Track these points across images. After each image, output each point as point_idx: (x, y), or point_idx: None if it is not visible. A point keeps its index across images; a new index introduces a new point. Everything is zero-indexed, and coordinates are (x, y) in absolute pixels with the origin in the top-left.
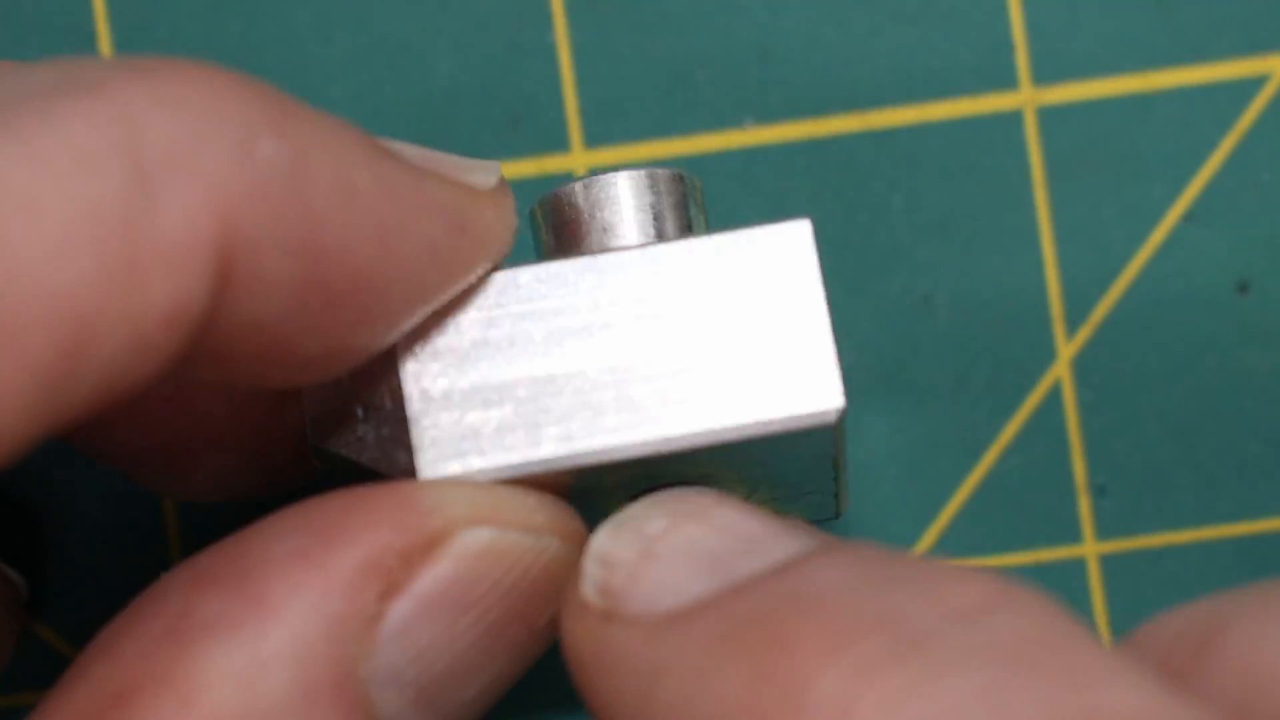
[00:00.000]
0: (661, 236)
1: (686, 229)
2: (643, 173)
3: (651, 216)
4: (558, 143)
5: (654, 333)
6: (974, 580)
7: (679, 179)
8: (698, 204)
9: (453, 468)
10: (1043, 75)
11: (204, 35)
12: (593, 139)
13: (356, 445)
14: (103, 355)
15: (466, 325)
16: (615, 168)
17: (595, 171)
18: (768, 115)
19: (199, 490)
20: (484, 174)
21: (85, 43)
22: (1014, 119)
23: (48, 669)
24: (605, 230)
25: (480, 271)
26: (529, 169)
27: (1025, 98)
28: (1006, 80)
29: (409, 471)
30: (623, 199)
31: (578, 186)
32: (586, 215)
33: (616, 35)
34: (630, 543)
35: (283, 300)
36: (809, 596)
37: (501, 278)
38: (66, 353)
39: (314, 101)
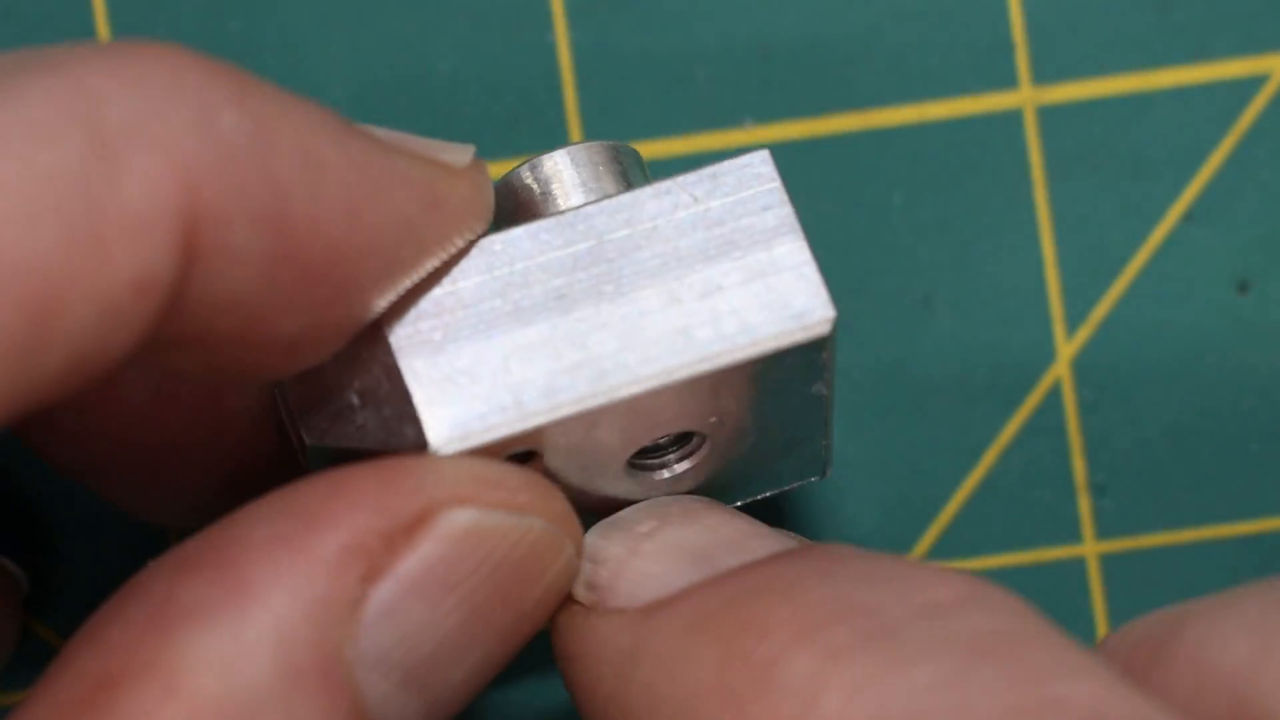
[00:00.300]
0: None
1: None
2: (582, 146)
3: (602, 187)
4: (558, 143)
5: (636, 275)
6: (948, 578)
7: (617, 149)
8: (643, 172)
9: (464, 430)
10: (1043, 75)
11: (204, 35)
12: (593, 139)
13: (358, 433)
14: (72, 325)
15: (450, 294)
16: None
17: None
18: (768, 115)
19: (176, 514)
20: (457, 153)
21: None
22: (1014, 119)
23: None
24: (553, 201)
25: (456, 246)
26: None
27: (1025, 97)
28: (1006, 80)
29: (419, 445)
30: (567, 175)
31: (524, 169)
32: (539, 194)
33: (616, 35)
34: (619, 541)
35: (253, 274)
36: (783, 584)
37: (477, 245)
38: (34, 322)
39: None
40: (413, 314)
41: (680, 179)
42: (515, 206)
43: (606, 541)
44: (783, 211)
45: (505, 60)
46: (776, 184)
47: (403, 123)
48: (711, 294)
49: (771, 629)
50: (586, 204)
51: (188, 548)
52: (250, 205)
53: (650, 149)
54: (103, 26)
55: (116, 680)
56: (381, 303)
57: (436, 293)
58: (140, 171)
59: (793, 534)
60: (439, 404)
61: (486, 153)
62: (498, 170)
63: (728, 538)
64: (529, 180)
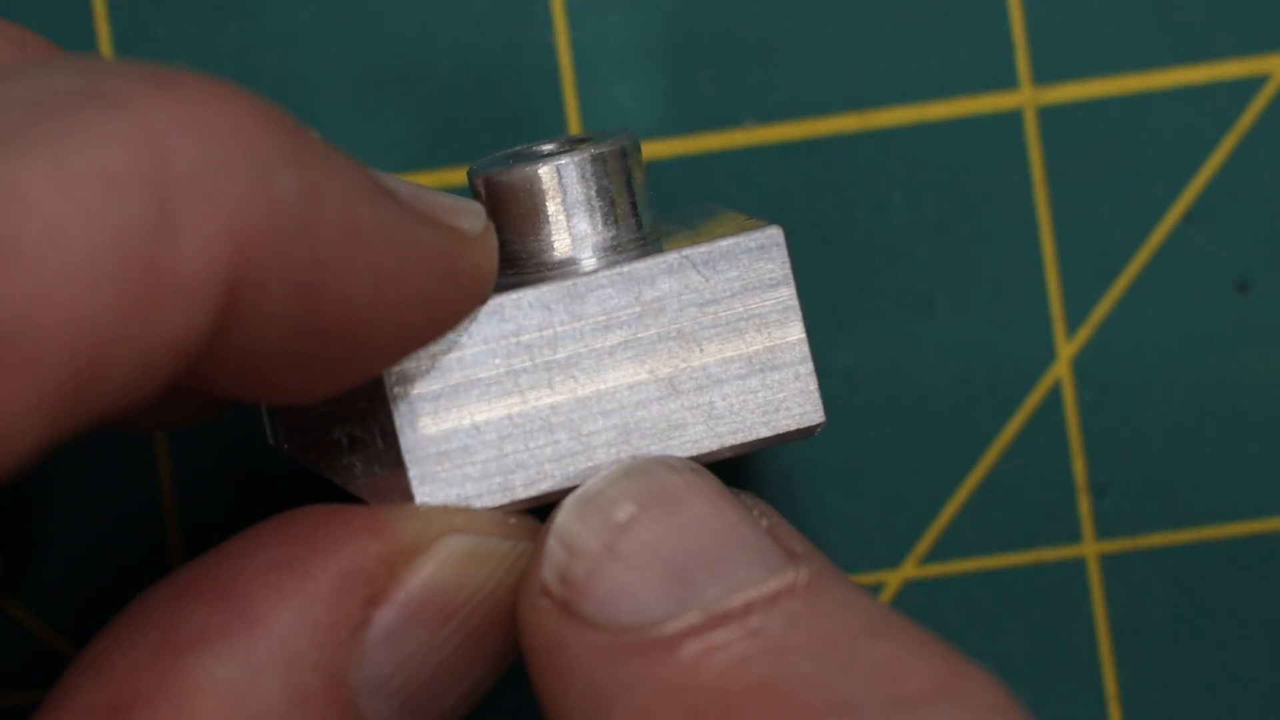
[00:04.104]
0: (612, 217)
1: (633, 206)
2: (587, 159)
3: (601, 199)
4: None
5: (640, 359)
6: (927, 664)
7: (614, 157)
8: (638, 163)
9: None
10: (1043, 75)
11: (203, 35)
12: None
13: (343, 473)
14: (111, 380)
15: (454, 360)
16: (558, 151)
17: (540, 156)
18: (768, 115)
19: (149, 427)
20: (471, 218)
21: (85, 43)
22: (1014, 119)
23: (50, 669)
24: (554, 218)
25: (465, 316)
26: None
27: (1025, 98)
28: (1006, 80)
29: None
30: (569, 188)
31: (519, 176)
32: (531, 206)
33: (616, 35)
34: (595, 529)
35: (276, 336)
36: (766, 666)
37: (486, 308)
38: (80, 377)
39: (313, 102)
40: (415, 377)
41: (692, 254)
42: (506, 208)
43: (582, 526)
44: (788, 303)
45: (505, 60)
46: (786, 271)
47: (402, 124)
48: (709, 387)
49: None
50: (596, 270)
51: (184, 575)
52: (289, 273)
53: (650, 149)
54: (102, 26)
55: (127, 707)
56: (386, 368)
57: (440, 358)
58: (199, 232)
59: (777, 528)
60: (431, 481)
61: (486, 153)
62: None
63: (709, 546)
64: (524, 186)
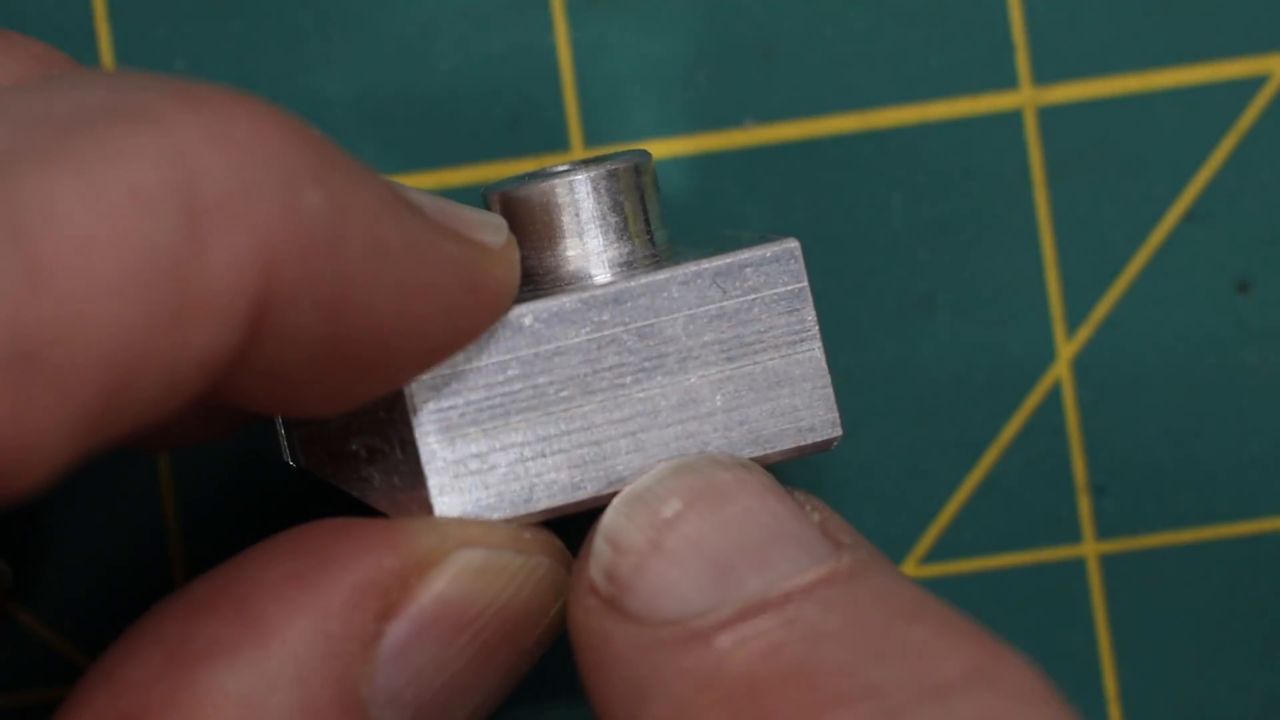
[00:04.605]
0: (626, 232)
1: (646, 223)
2: (601, 175)
3: (615, 214)
4: (558, 143)
5: (657, 371)
6: (964, 651)
7: (628, 172)
8: (651, 182)
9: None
10: (1043, 75)
11: (204, 35)
12: (593, 139)
13: (361, 485)
14: (139, 397)
15: (475, 372)
16: (573, 169)
17: (555, 173)
18: (768, 115)
19: (162, 446)
20: (494, 232)
21: (85, 42)
22: (1014, 119)
23: (50, 670)
24: (569, 233)
25: (488, 328)
26: (529, 169)
27: (1025, 98)
28: (1006, 80)
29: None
30: (583, 205)
31: (534, 190)
32: (545, 222)
33: (616, 35)
34: (642, 526)
35: (301, 351)
36: (800, 651)
37: (506, 320)
38: (109, 395)
39: (314, 101)
40: (435, 388)
41: (709, 266)
42: (522, 225)
43: (629, 523)
44: (806, 318)
45: (505, 60)
46: (803, 284)
47: (402, 124)
48: (726, 399)
49: (780, 709)
50: (613, 282)
51: (197, 588)
52: (317, 288)
53: (651, 150)
54: (102, 26)
55: (138, 719)
56: (407, 381)
57: (461, 369)
58: (227, 249)
59: (819, 507)
60: (452, 492)
61: (486, 153)
62: (497, 171)
63: (754, 539)
64: (540, 202)
